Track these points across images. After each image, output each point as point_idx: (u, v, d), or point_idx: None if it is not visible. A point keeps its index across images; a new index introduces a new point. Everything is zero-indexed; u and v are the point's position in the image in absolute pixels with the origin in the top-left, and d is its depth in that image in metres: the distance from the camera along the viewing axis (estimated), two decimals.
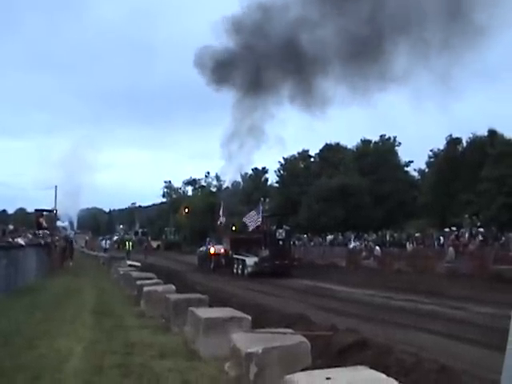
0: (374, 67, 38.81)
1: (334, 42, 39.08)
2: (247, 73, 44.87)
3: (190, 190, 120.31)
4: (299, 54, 40.48)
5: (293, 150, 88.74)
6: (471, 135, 61.55)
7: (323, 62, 40.38)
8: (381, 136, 78.92)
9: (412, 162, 78.53)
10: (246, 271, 37.86)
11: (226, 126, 60.33)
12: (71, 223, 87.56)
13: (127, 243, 63.18)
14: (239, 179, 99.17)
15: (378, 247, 44.49)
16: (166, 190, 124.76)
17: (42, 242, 33.97)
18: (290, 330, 8.21)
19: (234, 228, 47.07)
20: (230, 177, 79.73)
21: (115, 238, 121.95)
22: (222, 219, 49.30)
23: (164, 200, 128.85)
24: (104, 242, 67.59)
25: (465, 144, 62.70)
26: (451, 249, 36.77)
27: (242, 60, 44.62)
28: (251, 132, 47.61)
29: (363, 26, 37.57)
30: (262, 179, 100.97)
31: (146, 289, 15.57)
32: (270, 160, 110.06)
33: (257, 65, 43.87)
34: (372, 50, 37.83)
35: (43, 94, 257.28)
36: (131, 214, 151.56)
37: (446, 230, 44.00)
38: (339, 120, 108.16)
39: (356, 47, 37.95)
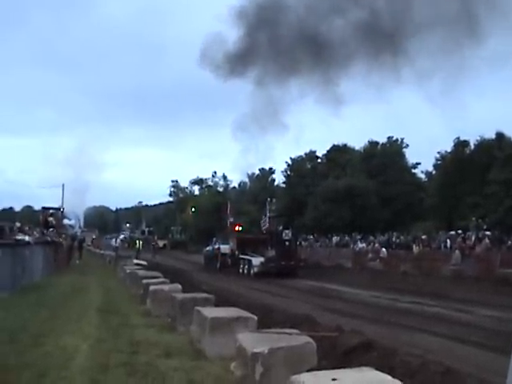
0: (389, 59, 38.53)
1: (349, 30, 38.77)
2: (260, 64, 44.47)
3: (196, 189, 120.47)
4: (314, 43, 40.07)
5: (300, 151, 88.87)
6: (479, 138, 61.49)
7: (339, 52, 39.98)
8: (388, 137, 78.94)
9: (419, 163, 78.55)
10: (252, 271, 37.90)
11: (241, 116, 59.19)
12: (78, 221, 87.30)
13: (137, 242, 63.20)
14: (253, 172, 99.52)
15: (384, 249, 44.45)
16: (172, 189, 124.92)
17: (49, 239, 33.99)
18: (295, 331, 8.22)
19: (240, 228, 47.14)
20: (246, 169, 79.76)
21: (121, 236, 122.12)
22: (230, 219, 49.33)
23: (171, 199, 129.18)
24: (114, 240, 64.83)
25: (472, 147, 62.60)
26: (457, 251, 36.70)
27: (253, 51, 44.17)
28: (269, 119, 47.12)
29: (378, 17, 37.31)
30: (269, 179, 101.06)
31: (152, 288, 15.57)
32: (279, 158, 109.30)
33: (270, 55, 43.49)
34: (386, 42, 37.54)
35: (50, 91, 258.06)
36: (138, 213, 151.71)
37: (453, 232, 43.95)
38: (347, 121, 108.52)
39: (372, 38, 37.71)
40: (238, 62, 44.22)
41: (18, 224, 31.27)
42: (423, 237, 45.76)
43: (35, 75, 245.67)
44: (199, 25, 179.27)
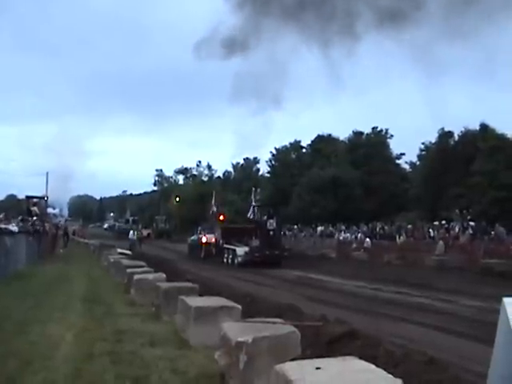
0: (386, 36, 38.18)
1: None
2: (261, 35, 43.74)
3: (181, 178, 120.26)
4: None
5: (285, 141, 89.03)
6: (463, 129, 61.69)
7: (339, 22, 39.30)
8: (373, 128, 79.04)
9: (404, 154, 78.78)
10: (236, 261, 37.91)
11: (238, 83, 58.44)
12: (61, 210, 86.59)
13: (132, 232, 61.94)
14: (237, 162, 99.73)
15: (368, 239, 44.67)
16: (157, 178, 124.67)
17: (32, 228, 33.87)
18: (280, 320, 8.26)
19: (222, 217, 47.30)
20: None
21: (105, 225, 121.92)
22: (214, 208, 49.33)
23: (155, 188, 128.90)
24: (132, 232, 56.57)
25: (457, 138, 62.81)
26: (441, 242, 36.93)
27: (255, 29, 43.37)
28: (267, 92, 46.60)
29: None
30: (254, 169, 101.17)
31: (136, 277, 15.57)
32: (264, 148, 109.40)
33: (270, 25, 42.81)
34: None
35: (33, 78, 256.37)
36: (122, 202, 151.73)
37: (436, 223, 44.17)
38: (332, 111, 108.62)
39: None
40: (238, 36, 43.49)
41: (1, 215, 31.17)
42: (409, 226, 46.01)
43: (17, 62, 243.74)
44: (184, 10, 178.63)
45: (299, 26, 40.63)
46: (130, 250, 43.55)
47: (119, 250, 35.34)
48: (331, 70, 42.10)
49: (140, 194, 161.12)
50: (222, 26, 43.58)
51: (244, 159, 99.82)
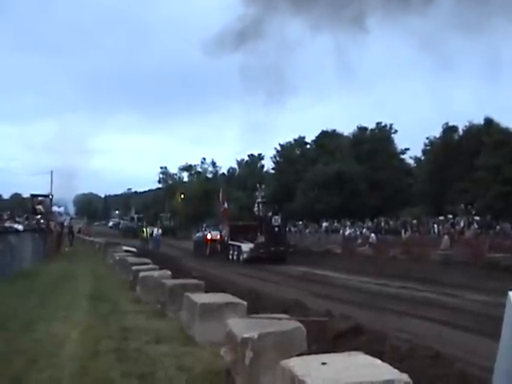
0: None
1: None
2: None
3: (185, 175, 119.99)
4: None
5: (289, 137, 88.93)
6: (467, 123, 61.65)
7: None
8: (377, 123, 79.01)
9: (408, 149, 78.73)
10: (241, 257, 37.91)
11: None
12: (66, 208, 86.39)
13: (145, 230, 60.98)
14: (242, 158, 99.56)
15: (373, 234, 44.63)
16: (161, 175, 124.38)
17: (37, 227, 33.91)
18: (285, 316, 8.25)
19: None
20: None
21: (110, 223, 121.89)
22: (226, 205, 49.13)
23: (160, 186, 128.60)
24: (156, 230, 52.80)
25: (461, 132, 62.77)
26: (446, 237, 36.87)
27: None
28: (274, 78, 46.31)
29: None
30: (258, 165, 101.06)
31: (141, 274, 15.56)
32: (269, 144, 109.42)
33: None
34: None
35: (35, 76, 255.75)
36: (127, 200, 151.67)
37: (441, 217, 44.13)
38: (336, 107, 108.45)
39: None
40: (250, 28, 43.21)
41: (6, 213, 31.25)
42: (414, 221, 45.99)
43: (18, 60, 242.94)
44: (187, 6, 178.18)
45: (309, 12, 40.42)
46: (153, 250, 43.25)
47: (124, 248, 35.36)
48: (339, 59, 41.73)
49: (144, 192, 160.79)
50: (229, 17, 43.48)
51: (248, 156, 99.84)
